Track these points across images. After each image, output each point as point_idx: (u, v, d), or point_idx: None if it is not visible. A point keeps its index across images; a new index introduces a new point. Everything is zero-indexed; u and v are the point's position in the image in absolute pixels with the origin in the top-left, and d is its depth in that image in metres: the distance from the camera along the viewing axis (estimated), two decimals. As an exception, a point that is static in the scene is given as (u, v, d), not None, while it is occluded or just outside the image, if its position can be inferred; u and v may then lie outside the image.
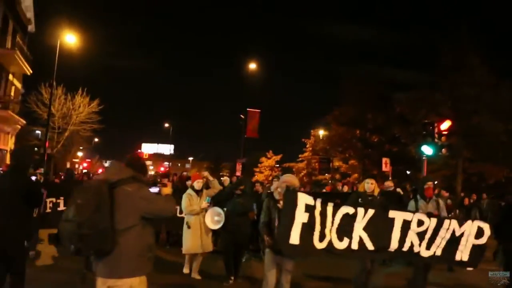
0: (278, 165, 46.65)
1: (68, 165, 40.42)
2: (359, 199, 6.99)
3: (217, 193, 8.42)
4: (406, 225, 6.04)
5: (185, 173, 12.27)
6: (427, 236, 6.02)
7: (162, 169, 63.90)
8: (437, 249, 5.97)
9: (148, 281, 3.82)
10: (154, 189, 4.16)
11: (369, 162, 31.90)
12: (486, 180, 25.30)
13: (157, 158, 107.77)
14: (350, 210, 5.92)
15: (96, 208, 3.39)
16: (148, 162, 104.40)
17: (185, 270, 8.17)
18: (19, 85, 31.18)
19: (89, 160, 56.82)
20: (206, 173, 9.17)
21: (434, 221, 6.09)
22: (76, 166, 45.39)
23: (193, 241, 7.74)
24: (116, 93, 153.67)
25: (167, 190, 4.11)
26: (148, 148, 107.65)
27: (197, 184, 8.09)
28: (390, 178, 18.80)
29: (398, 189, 12.08)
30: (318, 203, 5.70)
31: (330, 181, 32.76)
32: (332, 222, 5.78)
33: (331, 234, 5.78)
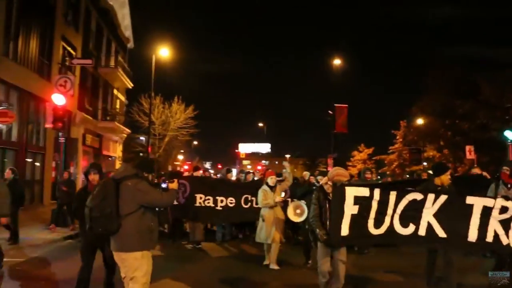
0: (370, 158, 46.09)
1: (170, 168, 43.76)
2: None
3: (300, 187, 9.09)
4: (486, 211, 5.71)
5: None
6: None
7: (259, 167, 65.72)
8: None
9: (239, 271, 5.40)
10: (164, 185, 5.34)
11: (459, 150, 30.53)
12: None
13: (254, 157, 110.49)
14: (418, 196, 5.79)
15: (104, 197, 4.47)
16: (246, 162, 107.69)
17: (272, 265, 8.34)
18: (123, 98, 34.65)
19: (190, 162, 60.41)
20: (286, 163, 10.04)
21: None
22: (178, 168, 48.74)
23: (266, 232, 8.27)
24: (211, 96, 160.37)
25: (173, 185, 5.00)
26: (245, 148, 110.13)
27: (271, 180, 8.62)
28: (475, 165, 18.23)
29: (485, 173, 11.37)
30: (377, 192, 5.71)
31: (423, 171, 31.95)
32: (394, 209, 5.73)
33: (393, 220, 5.73)
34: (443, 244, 5.89)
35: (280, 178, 9.38)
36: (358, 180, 11.83)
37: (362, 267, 8.16)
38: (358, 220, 5.64)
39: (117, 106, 32.57)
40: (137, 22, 34.73)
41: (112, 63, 29.89)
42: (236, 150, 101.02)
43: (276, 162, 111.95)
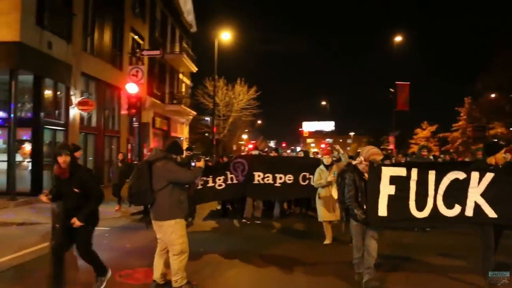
0: (433, 136, 45.04)
1: (234, 148, 45.35)
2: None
3: None
4: None
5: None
6: None
7: (322, 145, 66.00)
8: None
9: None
10: (193, 163, 6.14)
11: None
12: None
13: (318, 135, 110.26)
14: (460, 175, 5.65)
15: (139, 177, 5.35)
16: (310, 140, 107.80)
17: (326, 241, 8.45)
18: (188, 81, 36.41)
19: (254, 141, 61.78)
20: (337, 147, 10.46)
21: None
22: (242, 148, 50.36)
23: (324, 210, 8.44)
24: (274, 76, 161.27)
25: (200, 164, 5.79)
26: (308, 126, 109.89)
27: (327, 159, 8.74)
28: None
29: None
30: (414, 172, 5.62)
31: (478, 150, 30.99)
32: (436, 190, 5.62)
33: (436, 202, 5.63)
34: (493, 222, 5.62)
35: (336, 158, 9.61)
36: (415, 158, 11.91)
37: (414, 246, 8.11)
38: (397, 201, 5.58)
39: (183, 90, 34.38)
40: (199, 5, 36.02)
41: (177, 49, 31.56)
42: (300, 129, 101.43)
43: (341, 140, 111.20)
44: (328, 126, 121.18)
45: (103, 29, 19.83)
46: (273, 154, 15.10)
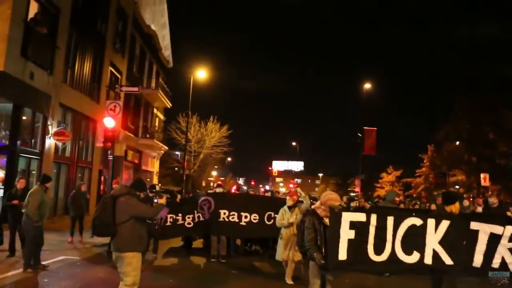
0: (398, 181, 46.57)
1: (203, 184, 45.69)
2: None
3: None
4: (494, 239, 5.63)
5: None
6: None
7: (291, 186, 66.73)
8: None
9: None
10: (155, 200, 6.50)
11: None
12: None
13: (287, 175, 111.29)
14: (417, 221, 5.77)
15: (104, 210, 5.67)
16: (279, 179, 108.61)
17: (288, 281, 8.56)
18: (161, 116, 36.93)
19: (223, 178, 62.16)
20: (299, 189, 10.88)
21: None
22: (211, 184, 50.63)
23: (283, 249, 8.55)
24: (246, 114, 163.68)
25: (161, 201, 6.14)
26: (278, 165, 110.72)
27: (289, 201, 8.88)
28: (492, 193, 18.89)
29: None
30: (374, 218, 5.78)
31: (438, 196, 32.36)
32: (394, 235, 5.76)
33: (394, 247, 5.75)
34: (449, 271, 5.76)
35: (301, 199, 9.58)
36: (384, 203, 12.02)
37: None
38: (356, 245, 5.70)
39: (156, 124, 34.82)
40: (176, 41, 36.94)
41: (153, 84, 32.26)
42: (270, 168, 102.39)
43: (309, 181, 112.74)
44: (297, 166, 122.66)
45: (83, 62, 20.32)
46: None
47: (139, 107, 29.88)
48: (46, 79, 16.51)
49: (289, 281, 8.53)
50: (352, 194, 35.05)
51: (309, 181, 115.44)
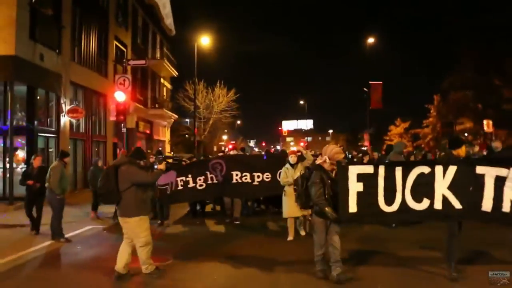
0: (406, 132, 46.90)
1: (215, 148, 46.39)
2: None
3: None
4: (500, 181, 5.48)
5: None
6: None
7: (301, 144, 67.33)
8: None
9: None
10: (155, 166, 6.85)
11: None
12: None
13: (297, 133, 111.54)
14: (425, 169, 5.80)
15: (107, 179, 6.04)
16: (289, 138, 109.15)
17: (289, 238, 8.70)
18: (169, 86, 37.36)
19: (234, 142, 62.81)
20: (300, 147, 10.96)
21: None
22: (223, 148, 51.31)
23: (290, 207, 8.59)
24: (253, 76, 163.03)
25: (161, 166, 6.40)
26: (287, 125, 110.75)
27: (292, 158, 8.94)
28: (495, 138, 19.13)
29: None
30: (382, 169, 5.83)
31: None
32: (403, 185, 5.77)
33: (405, 197, 5.77)
34: (460, 216, 5.80)
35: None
36: (392, 154, 11.53)
37: (383, 240, 8.33)
38: (366, 198, 5.76)
39: (164, 94, 35.33)
40: (177, 8, 36.59)
41: (158, 55, 32.54)
42: (279, 128, 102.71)
43: (320, 138, 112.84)
44: (307, 124, 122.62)
45: (89, 39, 20.76)
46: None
47: (146, 78, 30.31)
48: (55, 59, 17.04)
49: (291, 237, 8.72)
50: (363, 148, 35.55)
51: (319, 138, 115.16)
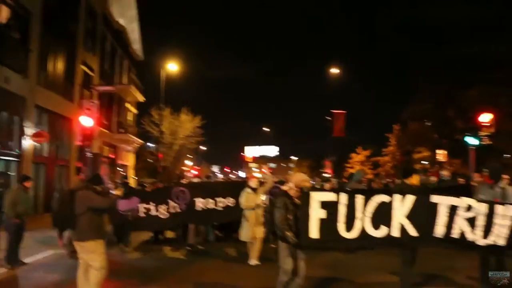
0: (367, 160, 48.31)
1: (178, 173, 46.20)
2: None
3: None
4: (452, 210, 5.87)
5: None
6: (480, 223, 5.71)
7: (264, 170, 67.63)
8: (497, 238, 5.58)
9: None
10: (112, 191, 6.96)
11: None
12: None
13: (262, 160, 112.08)
14: (384, 198, 6.05)
15: (63, 204, 6.39)
16: (253, 165, 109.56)
17: (254, 261, 8.89)
18: (134, 110, 37.23)
19: (198, 167, 62.72)
20: (263, 174, 11.46)
21: (484, 206, 5.77)
22: (186, 173, 51.02)
23: (249, 230, 8.85)
24: (218, 102, 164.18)
25: (117, 192, 6.87)
26: (252, 151, 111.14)
27: (253, 183, 9.15)
28: (443, 167, 20.34)
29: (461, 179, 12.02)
30: (344, 197, 6.01)
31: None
32: (364, 212, 5.99)
33: (364, 224, 5.99)
34: (415, 242, 6.09)
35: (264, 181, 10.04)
36: (350, 183, 12.20)
37: (343, 266, 8.64)
38: (328, 224, 5.92)
39: (130, 119, 35.16)
40: (145, 34, 36.74)
41: (125, 80, 32.55)
42: (242, 153, 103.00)
43: (283, 165, 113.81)
44: (272, 151, 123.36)
45: (56, 63, 20.67)
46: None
47: (112, 103, 30.13)
48: (21, 82, 16.90)
49: (255, 261, 8.85)
50: (325, 175, 36.36)
51: (283, 165, 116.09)
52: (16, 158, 17.06)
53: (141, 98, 34.95)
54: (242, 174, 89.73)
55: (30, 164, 17.85)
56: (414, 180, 6.54)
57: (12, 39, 16.15)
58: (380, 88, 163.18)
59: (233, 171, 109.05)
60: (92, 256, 6.17)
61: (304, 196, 6.02)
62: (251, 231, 8.84)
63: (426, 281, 7.19)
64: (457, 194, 5.97)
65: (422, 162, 37.52)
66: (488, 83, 27.08)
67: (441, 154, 26.67)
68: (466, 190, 8.13)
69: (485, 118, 16.91)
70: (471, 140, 17.29)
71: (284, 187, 6.46)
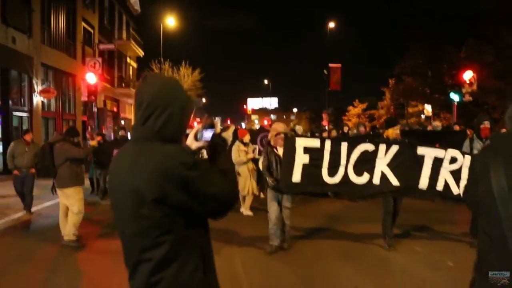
0: (364, 113, 49.40)
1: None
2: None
3: None
4: (437, 162, 5.92)
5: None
6: (465, 176, 5.69)
7: (265, 122, 68.55)
8: None
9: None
10: (88, 142, 7.48)
11: (436, 106, 33.54)
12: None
13: (262, 112, 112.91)
14: (369, 147, 6.11)
15: (43, 156, 6.75)
16: (254, 116, 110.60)
17: (242, 209, 9.01)
18: (135, 65, 38.07)
19: (199, 119, 63.64)
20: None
21: (468, 158, 5.82)
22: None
23: (242, 185, 8.89)
24: (219, 54, 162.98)
25: (92, 143, 7.51)
26: (253, 103, 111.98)
27: (246, 138, 9.15)
28: (434, 118, 21.50)
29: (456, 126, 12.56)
30: (328, 143, 6.16)
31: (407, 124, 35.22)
32: (348, 159, 6.10)
33: (347, 170, 6.10)
34: (396, 192, 6.10)
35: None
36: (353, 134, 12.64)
37: (337, 218, 8.60)
38: (311, 169, 6.07)
39: (130, 73, 36.08)
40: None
41: (124, 35, 33.20)
42: (244, 106, 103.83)
43: (284, 117, 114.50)
44: (272, 103, 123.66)
45: (58, 22, 21.54)
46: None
47: (113, 58, 31.05)
48: (26, 42, 17.89)
49: (248, 212, 8.96)
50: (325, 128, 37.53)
51: (284, 117, 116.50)
52: (27, 113, 18.33)
53: (141, 53, 35.69)
54: (243, 126, 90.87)
55: (40, 119, 19.16)
56: (390, 133, 6.41)
57: (16, 1, 16.98)
58: (380, 42, 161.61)
59: (236, 123, 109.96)
60: (71, 201, 6.72)
61: (289, 141, 6.16)
62: (245, 185, 8.87)
63: (410, 232, 7.27)
64: (453, 139, 6.30)
65: (421, 115, 38.44)
66: (478, 39, 27.66)
67: (426, 109, 27.62)
68: (461, 135, 8.72)
69: (467, 75, 17.83)
70: (454, 96, 18.40)
71: (268, 136, 6.63)
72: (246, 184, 8.91)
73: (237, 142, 9.01)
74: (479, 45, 26.83)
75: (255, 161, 9.10)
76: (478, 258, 2.26)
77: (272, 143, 6.33)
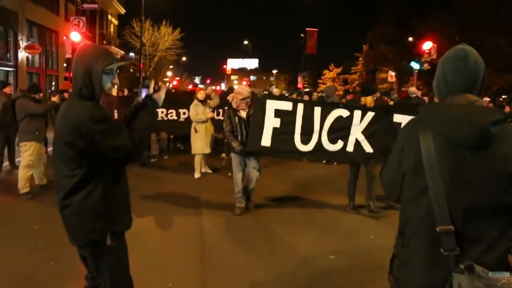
0: (338, 77, 50.79)
1: (159, 84, 48.06)
2: None
3: None
4: None
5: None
6: None
7: (244, 83, 69.26)
8: None
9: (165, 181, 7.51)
10: (54, 98, 7.56)
11: (405, 74, 35.09)
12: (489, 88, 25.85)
13: (242, 72, 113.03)
14: (344, 113, 5.80)
15: (5, 111, 7.36)
16: (234, 77, 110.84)
17: (196, 175, 8.61)
18: (116, 22, 38.38)
19: (178, 78, 63.93)
20: (210, 90, 10.32)
21: None
22: (167, 84, 52.53)
23: (199, 143, 8.61)
24: (200, 14, 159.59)
25: (54, 99, 7.51)
26: (233, 63, 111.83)
27: (200, 95, 8.70)
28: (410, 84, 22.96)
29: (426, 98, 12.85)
30: (301, 108, 5.80)
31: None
32: (321, 125, 5.80)
33: (321, 137, 5.82)
34: (370, 157, 5.87)
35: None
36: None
37: (308, 186, 8.16)
38: (282, 135, 5.79)
39: (111, 30, 36.48)
40: None
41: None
42: (224, 66, 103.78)
43: (264, 78, 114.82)
44: (252, 63, 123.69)
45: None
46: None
47: (94, 15, 31.43)
48: (12, -2, 18.55)
49: (197, 174, 8.68)
50: (305, 90, 38.88)
51: (264, 78, 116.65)
52: (13, 68, 19.21)
53: (122, 10, 35.99)
54: (224, 86, 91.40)
55: (24, 74, 20.06)
56: (368, 101, 6.30)
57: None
58: (359, 7, 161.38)
59: (215, 83, 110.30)
60: (24, 155, 6.87)
61: (259, 102, 5.92)
62: (201, 144, 8.61)
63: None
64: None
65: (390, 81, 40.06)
66: (445, 10, 28.98)
67: (389, 76, 29.31)
68: None
69: (427, 46, 19.47)
70: (415, 65, 20.12)
71: (230, 99, 6.23)
72: (203, 142, 8.61)
73: (195, 101, 8.72)
74: (442, 17, 28.23)
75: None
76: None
77: (234, 105, 6.04)
